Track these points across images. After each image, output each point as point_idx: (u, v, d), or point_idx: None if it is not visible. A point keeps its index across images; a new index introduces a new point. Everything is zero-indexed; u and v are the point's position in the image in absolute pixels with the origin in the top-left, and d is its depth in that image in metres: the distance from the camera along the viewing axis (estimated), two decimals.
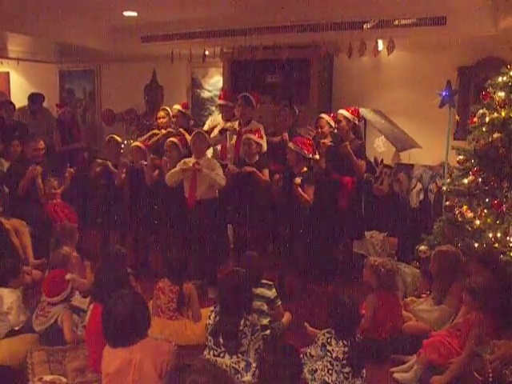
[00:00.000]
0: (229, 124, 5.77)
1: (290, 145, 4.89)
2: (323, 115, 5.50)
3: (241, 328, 3.21)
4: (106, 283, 3.26)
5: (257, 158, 5.10)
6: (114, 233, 5.68)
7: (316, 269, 5.16)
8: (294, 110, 5.76)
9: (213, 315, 3.31)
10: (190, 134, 5.76)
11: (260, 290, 3.86)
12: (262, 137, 5.18)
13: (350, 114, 5.19)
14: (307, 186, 4.75)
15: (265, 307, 3.83)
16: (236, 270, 3.52)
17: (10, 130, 6.50)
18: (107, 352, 2.66)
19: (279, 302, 3.96)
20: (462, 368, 3.16)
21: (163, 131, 6.04)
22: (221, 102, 6.00)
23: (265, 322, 3.77)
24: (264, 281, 3.95)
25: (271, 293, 3.88)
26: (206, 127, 6.07)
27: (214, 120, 6.14)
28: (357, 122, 5.30)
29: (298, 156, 4.80)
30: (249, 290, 3.41)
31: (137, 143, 5.53)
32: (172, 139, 5.26)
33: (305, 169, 4.87)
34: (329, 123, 5.39)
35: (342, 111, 5.24)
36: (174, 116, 6.08)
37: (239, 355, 3.22)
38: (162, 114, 6.27)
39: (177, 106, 6.05)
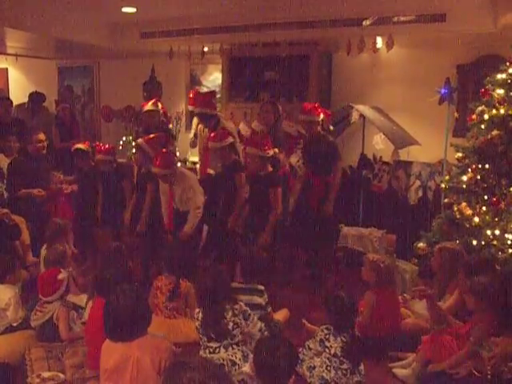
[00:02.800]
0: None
1: (248, 150, 4.63)
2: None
3: (231, 318, 3.21)
4: (110, 278, 3.26)
5: (230, 159, 4.82)
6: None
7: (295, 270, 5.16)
8: (276, 106, 5.60)
9: (200, 315, 3.31)
10: (161, 131, 5.60)
11: (253, 298, 3.75)
12: (227, 135, 4.83)
13: (307, 112, 4.96)
14: (275, 188, 4.56)
15: (258, 315, 3.71)
16: (208, 266, 3.53)
17: (8, 127, 6.47)
18: (106, 348, 2.67)
19: (269, 309, 3.85)
20: (458, 363, 3.17)
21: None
22: (190, 108, 5.78)
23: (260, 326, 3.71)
24: (256, 286, 3.81)
25: (262, 299, 3.78)
26: (192, 132, 5.94)
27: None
28: (317, 120, 4.99)
29: (260, 159, 4.58)
30: (225, 280, 3.38)
31: (99, 156, 5.30)
32: (139, 141, 5.12)
33: (270, 169, 4.68)
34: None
35: (300, 116, 5.03)
36: (143, 114, 5.94)
37: (234, 346, 3.21)
38: None
39: (148, 105, 5.88)
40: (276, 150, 4.82)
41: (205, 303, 3.29)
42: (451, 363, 3.19)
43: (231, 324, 3.21)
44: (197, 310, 3.41)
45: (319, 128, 5.02)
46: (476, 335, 3.16)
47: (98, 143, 5.60)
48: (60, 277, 3.74)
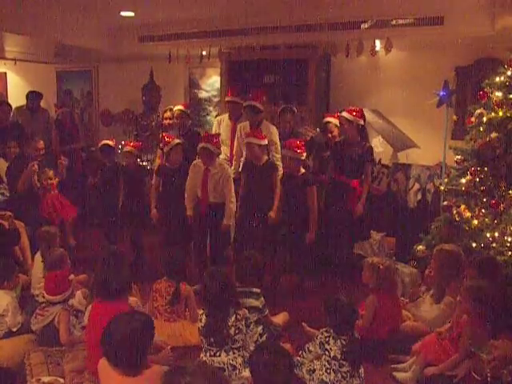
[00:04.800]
0: None
1: (285, 152, 4.84)
2: (330, 119, 5.50)
3: (234, 323, 3.22)
4: (113, 280, 3.25)
5: (264, 159, 4.99)
6: (110, 232, 5.71)
7: (320, 269, 5.16)
8: (293, 111, 5.67)
9: (203, 317, 3.31)
10: (190, 134, 5.81)
11: (249, 301, 3.72)
12: (264, 137, 5.02)
13: (353, 115, 5.02)
14: (310, 187, 4.76)
15: (255, 318, 3.72)
16: (216, 267, 3.53)
17: (8, 131, 6.48)
18: (101, 367, 2.60)
19: (267, 311, 3.82)
20: (455, 365, 3.19)
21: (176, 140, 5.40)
22: (229, 98, 5.85)
23: (258, 330, 3.69)
24: (253, 289, 3.78)
25: (259, 302, 3.75)
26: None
27: (222, 121, 5.97)
28: (361, 123, 5.08)
29: (295, 161, 4.78)
30: (232, 284, 3.41)
31: (128, 148, 5.52)
32: (178, 141, 5.24)
33: (302, 170, 4.85)
34: (337, 125, 5.42)
35: (343, 113, 5.13)
36: (176, 117, 6.04)
37: (235, 351, 3.22)
38: (168, 114, 6.23)
39: (179, 107, 6.01)
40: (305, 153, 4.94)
41: (210, 307, 3.29)
42: (447, 366, 3.21)
43: (233, 329, 3.21)
44: (201, 311, 3.42)
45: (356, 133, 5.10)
46: (465, 335, 3.18)
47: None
48: (71, 277, 3.76)
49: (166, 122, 6.24)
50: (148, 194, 5.43)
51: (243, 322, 3.27)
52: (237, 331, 3.23)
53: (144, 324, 2.61)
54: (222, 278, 3.33)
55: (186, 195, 5.08)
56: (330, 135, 5.48)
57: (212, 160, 4.97)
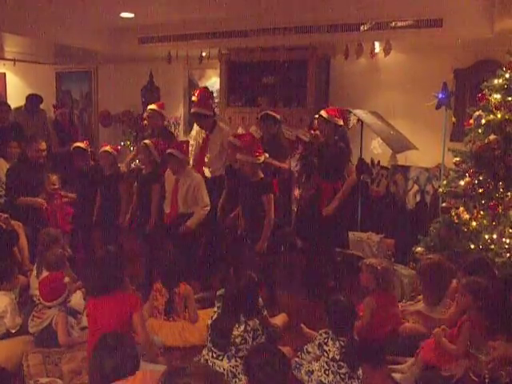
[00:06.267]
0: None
1: (240, 157, 4.43)
2: (317, 116, 5.46)
3: (242, 333, 3.22)
4: (101, 276, 3.24)
5: (258, 176, 4.57)
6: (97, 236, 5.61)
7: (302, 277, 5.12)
8: (274, 117, 5.25)
9: (216, 315, 3.33)
10: (165, 135, 5.58)
11: None
12: (247, 141, 4.64)
13: (331, 114, 4.75)
14: (266, 195, 4.41)
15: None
16: (248, 273, 3.47)
17: (7, 131, 6.47)
18: None
19: (265, 312, 3.77)
20: (454, 355, 3.20)
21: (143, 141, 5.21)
22: (194, 98, 5.61)
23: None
24: None
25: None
26: (192, 139, 5.75)
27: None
28: (339, 123, 4.82)
29: (251, 165, 4.42)
30: (253, 294, 3.39)
31: (106, 148, 5.33)
32: (145, 141, 5.04)
33: (261, 175, 4.51)
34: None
35: (321, 112, 4.87)
36: (147, 117, 5.83)
37: (238, 359, 3.21)
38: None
39: (152, 106, 5.78)
40: (267, 155, 4.60)
41: (225, 305, 3.30)
42: (447, 358, 3.21)
43: (240, 338, 3.22)
44: (215, 308, 3.43)
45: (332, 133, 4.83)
46: (464, 332, 3.18)
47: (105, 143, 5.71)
48: (66, 280, 3.73)
49: (145, 122, 6.13)
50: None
51: (251, 334, 3.27)
52: (243, 341, 3.23)
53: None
54: (243, 284, 3.34)
55: (165, 206, 4.89)
56: (312, 132, 5.38)
57: (180, 168, 4.72)
